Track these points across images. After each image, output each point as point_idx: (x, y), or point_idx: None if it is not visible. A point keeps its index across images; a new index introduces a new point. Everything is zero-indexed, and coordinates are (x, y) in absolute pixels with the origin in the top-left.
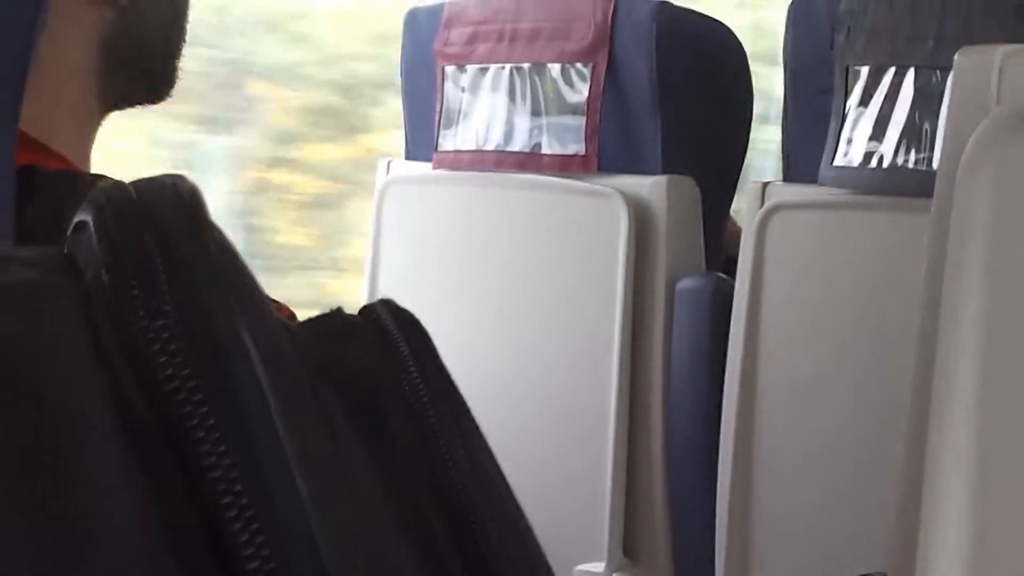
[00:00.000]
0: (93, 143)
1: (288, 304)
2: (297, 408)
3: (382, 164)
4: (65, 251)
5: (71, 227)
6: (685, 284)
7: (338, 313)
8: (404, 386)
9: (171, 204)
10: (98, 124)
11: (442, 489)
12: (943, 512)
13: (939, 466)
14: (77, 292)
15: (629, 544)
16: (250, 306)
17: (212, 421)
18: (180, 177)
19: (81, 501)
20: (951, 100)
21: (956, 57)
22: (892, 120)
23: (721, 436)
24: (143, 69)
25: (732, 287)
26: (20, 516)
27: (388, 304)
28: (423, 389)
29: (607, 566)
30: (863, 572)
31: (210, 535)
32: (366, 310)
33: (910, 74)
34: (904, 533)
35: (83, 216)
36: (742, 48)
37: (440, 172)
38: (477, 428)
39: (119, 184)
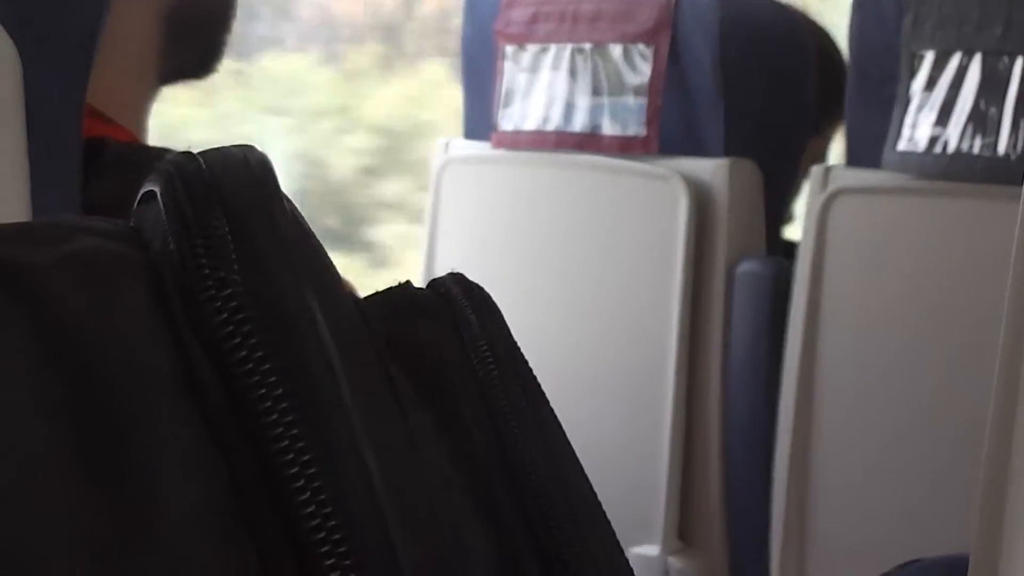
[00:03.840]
0: (149, 116)
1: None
2: (366, 381)
3: (440, 143)
4: (132, 222)
5: (139, 198)
6: (745, 268)
7: (407, 287)
8: (474, 363)
9: (241, 175)
10: (154, 97)
11: (512, 468)
12: None
13: None
14: (144, 262)
15: (684, 528)
16: (319, 278)
17: (280, 391)
18: (250, 148)
19: (150, 473)
20: None
21: None
22: (957, 106)
23: (779, 421)
24: (200, 43)
25: (792, 271)
26: (90, 489)
27: (458, 278)
28: (494, 367)
29: (662, 549)
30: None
31: (278, 506)
32: (435, 284)
33: (977, 59)
34: (991, 515)
35: (151, 187)
36: (807, 32)
37: (499, 152)
38: (549, 408)
39: (188, 155)
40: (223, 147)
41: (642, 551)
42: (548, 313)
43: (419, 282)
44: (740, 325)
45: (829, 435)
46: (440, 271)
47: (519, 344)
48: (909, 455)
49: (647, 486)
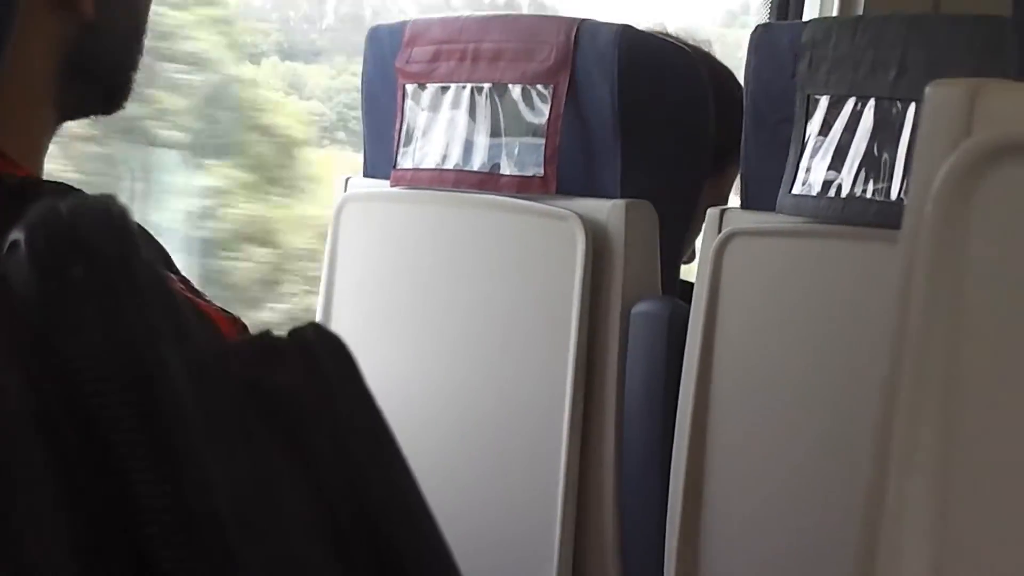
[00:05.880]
0: (46, 152)
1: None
2: (220, 427)
3: (340, 180)
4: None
5: (6, 246)
6: (641, 308)
7: (267, 335)
8: (327, 410)
9: (101, 226)
10: (52, 133)
11: (361, 511)
12: (910, 537)
13: (904, 500)
14: (5, 308)
15: (579, 569)
16: (175, 327)
17: (135, 438)
18: (111, 198)
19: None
20: (921, 132)
21: (927, 89)
22: (851, 150)
23: (673, 461)
24: (101, 81)
25: (688, 312)
26: None
27: (316, 328)
28: (345, 414)
29: None
30: None
31: (136, 556)
32: (295, 333)
33: (870, 105)
34: (869, 556)
35: (16, 235)
36: (707, 73)
37: (398, 190)
38: (399, 454)
39: (52, 205)
40: (87, 197)
41: None
42: (443, 350)
43: (318, 316)
44: (636, 365)
45: (723, 474)
46: (338, 307)
47: (414, 378)
48: (802, 493)
49: (541, 526)
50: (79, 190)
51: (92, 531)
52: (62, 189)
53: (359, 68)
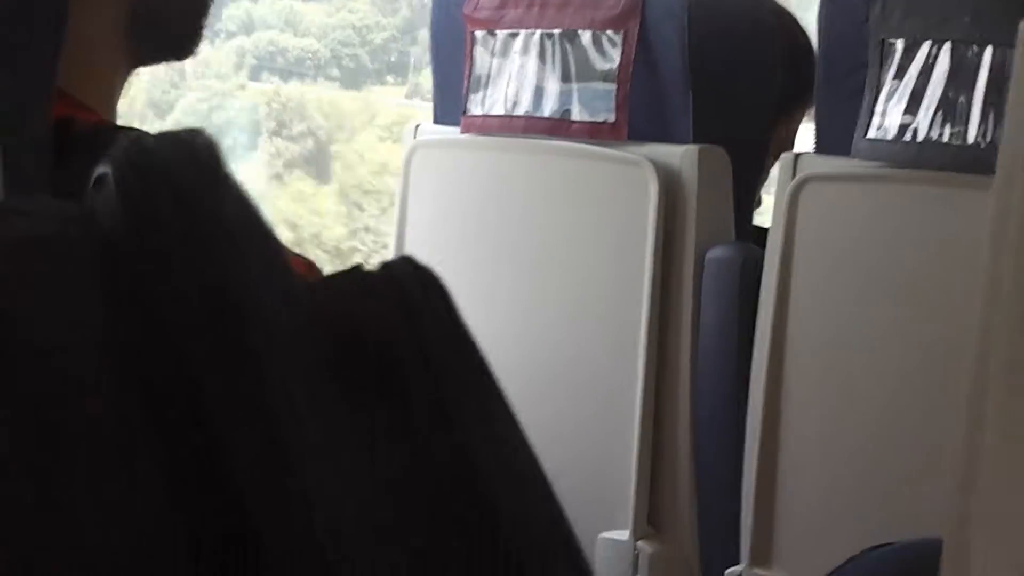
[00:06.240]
0: (120, 97)
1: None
2: (309, 369)
3: (410, 127)
4: (87, 204)
5: (92, 181)
6: (714, 254)
7: (358, 270)
8: (423, 345)
9: (189, 160)
10: (125, 79)
11: (459, 451)
12: (1005, 481)
13: (1001, 440)
14: (93, 243)
15: (654, 513)
16: (265, 262)
17: (221, 378)
18: (199, 132)
19: (83, 457)
20: (1016, 70)
21: (1021, 25)
22: (927, 94)
23: (748, 407)
24: (171, 28)
25: (762, 257)
26: (18, 472)
27: (409, 261)
28: (442, 349)
29: (631, 534)
30: (889, 542)
31: (216, 497)
32: (386, 267)
33: (946, 48)
34: (963, 498)
35: (103, 170)
36: (773, 17)
37: (468, 136)
38: (498, 389)
39: (139, 139)
40: (173, 131)
41: (612, 536)
42: (517, 298)
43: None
44: (709, 311)
45: (799, 420)
46: (409, 253)
47: (487, 326)
48: (879, 439)
49: (617, 471)
50: (152, 134)
51: (173, 462)
52: (136, 133)
53: (357, 5)
